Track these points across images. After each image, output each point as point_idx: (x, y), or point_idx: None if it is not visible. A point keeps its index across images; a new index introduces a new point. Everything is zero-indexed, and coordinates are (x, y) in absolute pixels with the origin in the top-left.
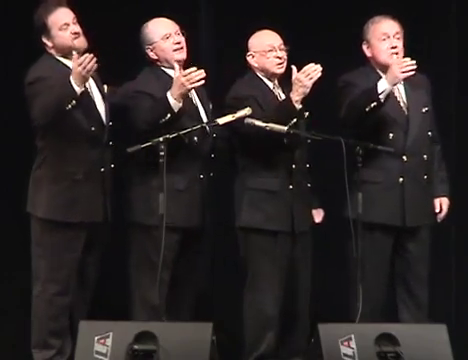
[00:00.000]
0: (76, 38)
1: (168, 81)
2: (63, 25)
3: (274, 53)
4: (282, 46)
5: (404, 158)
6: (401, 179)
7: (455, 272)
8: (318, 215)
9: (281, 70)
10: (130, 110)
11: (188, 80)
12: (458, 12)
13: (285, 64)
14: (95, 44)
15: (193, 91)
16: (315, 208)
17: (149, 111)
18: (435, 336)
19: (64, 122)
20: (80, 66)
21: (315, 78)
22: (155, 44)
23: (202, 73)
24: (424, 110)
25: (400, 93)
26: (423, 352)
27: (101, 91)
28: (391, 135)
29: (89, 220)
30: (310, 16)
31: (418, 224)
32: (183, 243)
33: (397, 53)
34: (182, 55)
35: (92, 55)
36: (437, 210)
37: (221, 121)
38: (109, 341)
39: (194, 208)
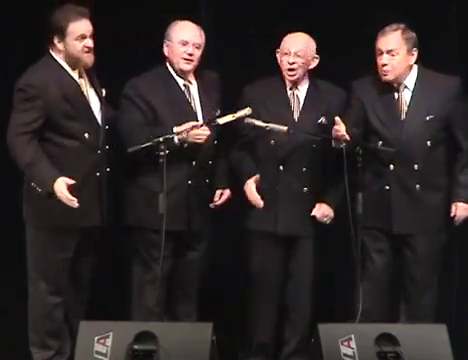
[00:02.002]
0: (87, 53)
1: (173, 88)
2: (80, 36)
3: (287, 58)
4: (301, 53)
5: (391, 167)
6: (388, 187)
7: (456, 272)
8: (318, 209)
9: (291, 78)
10: (124, 116)
11: (195, 136)
12: (458, 12)
13: (297, 72)
14: (95, 44)
15: (196, 97)
16: (319, 201)
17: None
18: (435, 336)
19: (57, 130)
20: (61, 194)
21: None
22: (171, 43)
23: (208, 133)
24: (428, 118)
25: (404, 99)
26: (423, 352)
27: (99, 95)
28: (380, 143)
29: (85, 225)
30: (310, 16)
31: (407, 232)
32: (173, 246)
33: (386, 71)
34: (187, 67)
35: (73, 201)
36: (452, 214)
37: (221, 121)
38: (109, 341)
39: (176, 212)
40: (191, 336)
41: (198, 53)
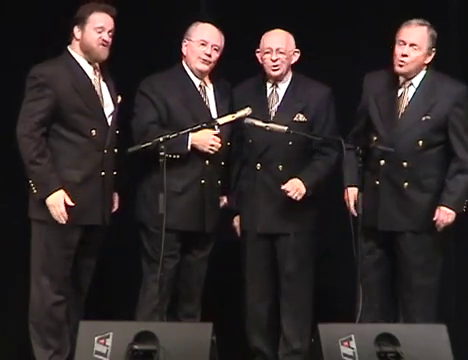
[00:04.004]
0: (102, 45)
1: (189, 87)
2: (99, 27)
3: (269, 55)
4: (283, 49)
5: (381, 162)
6: (377, 182)
7: (455, 272)
8: (290, 182)
9: (275, 73)
10: (138, 113)
11: (211, 145)
12: (458, 12)
13: (281, 68)
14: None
15: (211, 99)
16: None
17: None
18: (435, 336)
19: (65, 124)
20: (58, 207)
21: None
22: (190, 42)
23: (219, 146)
24: (424, 118)
25: (407, 97)
26: (423, 352)
27: (113, 98)
28: (375, 138)
29: (85, 223)
30: (310, 16)
31: (393, 229)
32: (181, 246)
33: (403, 62)
34: (204, 67)
35: (63, 217)
36: (434, 218)
37: (221, 121)
38: (109, 341)
39: (191, 212)
40: (191, 336)
41: (216, 55)
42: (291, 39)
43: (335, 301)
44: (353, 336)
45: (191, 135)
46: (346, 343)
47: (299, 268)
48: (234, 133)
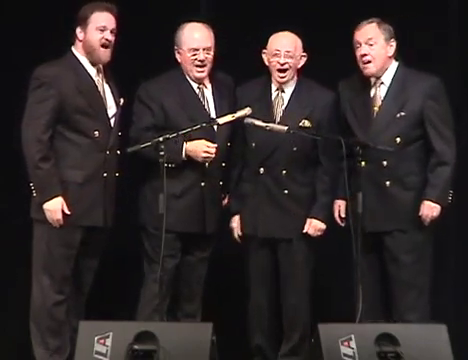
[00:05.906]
0: (104, 45)
1: (186, 90)
2: (101, 27)
3: (277, 58)
4: (291, 52)
5: (362, 164)
6: (360, 184)
7: (455, 272)
8: (309, 225)
9: (282, 79)
10: (134, 119)
11: (205, 156)
12: (458, 12)
13: (288, 72)
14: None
15: (210, 100)
16: (310, 217)
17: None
18: (435, 336)
19: (67, 125)
20: (55, 214)
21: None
22: (182, 51)
23: (214, 150)
24: (399, 115)
25: (379, 95)
26: (423, 352)
27: (115, 100)
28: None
29: (86, 224)
30: (310, 16)
31: (381, 230)
32: (181, 246)
33: (367, 61)
34: (201, 75)
35: (58, 222)
36: (420, 213)
37: (221, 121)
38: (109, 341)
39: (191, 214)
40: (191, 336)
41: (210, 56)
42: (299, 42)
43: (335, 301)
44: (353, 336)
45: (185, 145)
46: (346, 343)
47: (299, 269)
48: (236, 134)
